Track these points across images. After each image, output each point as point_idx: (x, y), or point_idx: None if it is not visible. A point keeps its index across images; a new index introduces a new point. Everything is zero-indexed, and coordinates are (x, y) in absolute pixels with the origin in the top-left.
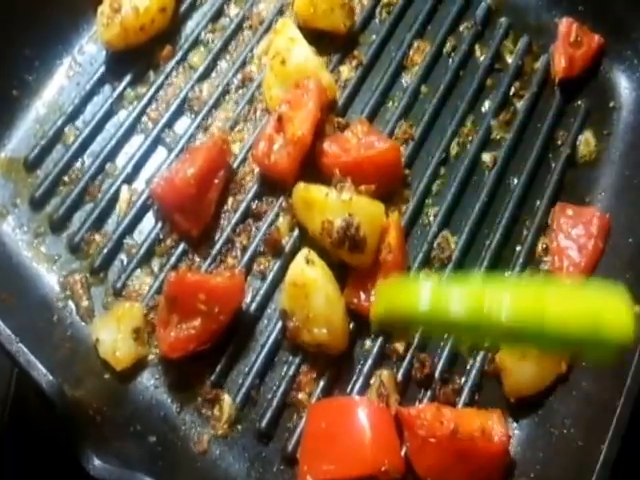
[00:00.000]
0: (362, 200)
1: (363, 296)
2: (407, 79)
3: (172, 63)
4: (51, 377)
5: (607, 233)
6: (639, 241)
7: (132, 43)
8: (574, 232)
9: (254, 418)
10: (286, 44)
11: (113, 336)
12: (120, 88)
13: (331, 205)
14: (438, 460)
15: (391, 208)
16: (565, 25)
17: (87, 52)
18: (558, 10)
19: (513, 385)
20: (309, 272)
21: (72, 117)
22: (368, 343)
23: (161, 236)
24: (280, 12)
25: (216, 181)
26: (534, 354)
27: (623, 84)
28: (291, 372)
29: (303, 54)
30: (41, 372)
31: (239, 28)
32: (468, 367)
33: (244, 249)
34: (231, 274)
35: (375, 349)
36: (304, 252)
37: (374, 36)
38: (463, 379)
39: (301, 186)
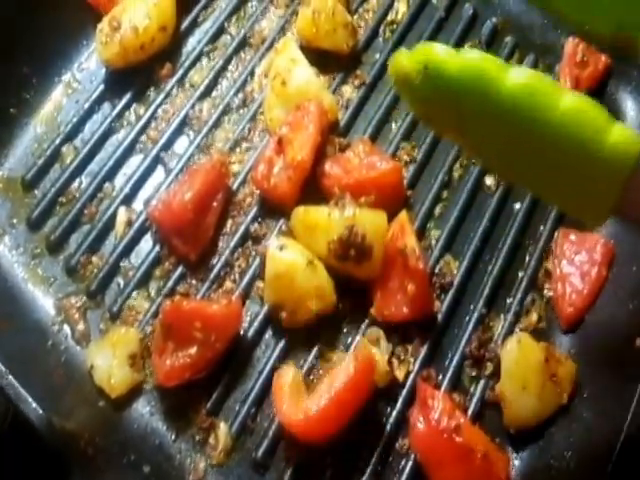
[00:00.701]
0: (364, 212)
1: (394, 308)
2: None
3: (172, 81)
4: (41, 411)
5: (611, 260)
6: None
7: (132, 61)
8: (577, 258)
9: (250, 447)
10: (287, 65)
11: (108, 362)
12: (119, 107)
13: (335, 224)
14: (435, 446)
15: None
16: (571, 45)
17: (86, 69)
18: (564, 29)
19: (513, 416)
20: (286, 256)
21: (70, 136)
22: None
23: (159, 259)
24: (282, 30)
25: (215, 204)
26: (535, 385)
27: (629, 106)
28: None
29: (304, 75)
30: (31, 407)
31: (240, 46)
32: (468, 397)
33: (242, 273)
34: (228, 301)
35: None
36: (274, 243)
37: (377, 55)
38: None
39: (300, 210)
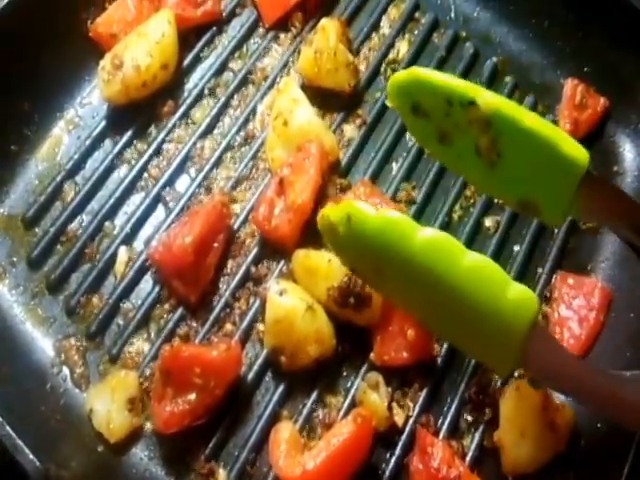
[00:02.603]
0: None
1: (393, 353)
2: (411, 139)
3: (174, 119)
4: (38, 463)
5: (608, 306)
6: None
7: (134, 98)
8: (575, 303)
9: None
10: (289, 105)
11: (107, 407)
12: (121, 143)
13: (335, 271)
14: None
15: None
16: (570, 86)
17: (88, 104)
18: (563, 70)
19: (511, 463)
20: (286, 302)
21: (72, 173)
22: None
23: (159, 300)
24: (284, 68)
25: (215, 245)
26: (533, 432)
27: (627, 148)
28: None
29: (306, 116)
30: (27, 458)
31: (242, 83)
32: (467, 442)
33: (242, 314)
34: (227, 347)
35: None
36: (274, 288)
37: (378, 94)
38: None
39: (301, 253)
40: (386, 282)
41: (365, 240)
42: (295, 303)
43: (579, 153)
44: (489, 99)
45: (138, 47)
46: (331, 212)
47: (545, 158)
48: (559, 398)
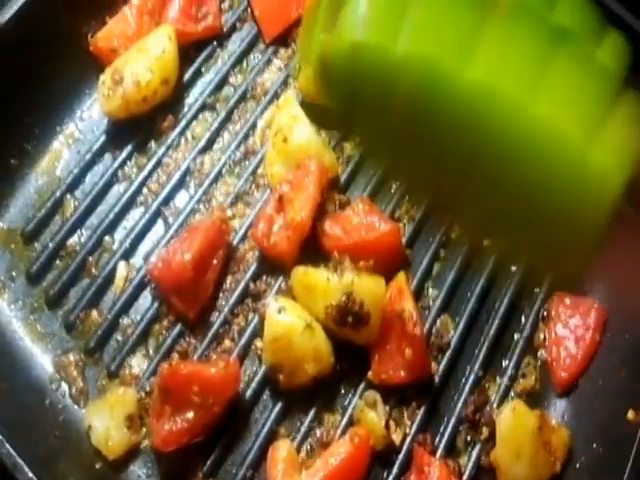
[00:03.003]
0: (363, 278)
1: (391, 372)
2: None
3: (174, 134)
4: None
5: (604, 326)
6: (635, 338)
7: (134, 113)
8: (571, 322)
9: None
10: (288, 122)
11: (106, 424)
12: (121, 158)
13: (333, 289)
14: None
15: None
16: None
17: (88, 118)
18: None
19: None
20: (284, 320)
21: (71, 187)
22: None
23: (158, 316)
24: (285, 82)
25: (214, 261)
26: (529, 453)
27: None
28: None
29: (305, 133)
30: (27, 476)
31: (242, 98)
32: (463, 461)
33: (241, 331)
34: (226, 364)
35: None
36: (273, 306)
37: None
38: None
39: (300, 270)
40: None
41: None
42: (294, 321)
43: None
44: None
45: (138, 62)
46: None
47: None
48: (555, 419)
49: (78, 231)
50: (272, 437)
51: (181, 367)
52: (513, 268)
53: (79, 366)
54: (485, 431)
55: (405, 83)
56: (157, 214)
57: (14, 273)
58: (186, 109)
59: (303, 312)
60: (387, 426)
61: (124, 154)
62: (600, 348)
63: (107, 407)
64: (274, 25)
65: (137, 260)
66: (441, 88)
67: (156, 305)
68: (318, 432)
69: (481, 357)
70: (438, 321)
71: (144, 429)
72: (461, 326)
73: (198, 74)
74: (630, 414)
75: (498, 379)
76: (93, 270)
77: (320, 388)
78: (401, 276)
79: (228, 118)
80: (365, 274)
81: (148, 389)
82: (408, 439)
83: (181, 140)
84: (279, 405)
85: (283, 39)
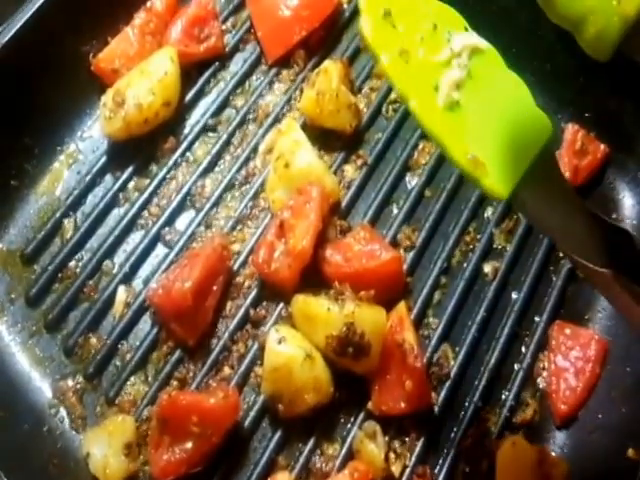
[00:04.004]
0: (364, 309)
1: (391, 403)
2: (411, 181)
3: (175, 156)
4: None
5: (605, 358)
6: (636, 372)
7: (135, 134)
8: (572, 354)
9: None
10: (290, 147)
11: (104, 452)
12: (121, 180)
13: (334, 319)
14: None
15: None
16: (571, 132)
17: (89, 138)
18: (565, 115)
19: None
20: (284, 350)
21: (71, 209)
22: None
23: (157, 342)
24: (287, 105)
25: (215, 288)
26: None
27: (626, 195)
28: None
29: (307, 158)
30: None
31: (244, 120)
32: None
33: (241, 358)
34: (225, 394)
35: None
36: (273, 336)
37: (380, 134)
38: None
39: (300, 299)
40: None
41: None
42: (294, 352)
43: (546, 122)
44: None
45: (140, 85)
46: None
47: (511, 117)
48: (555, 451)
49: (78, 254)
50: (271, 467)
51: (180, 397)
52: (514, 295)
53: (77, 392)
54: (485, 463)
55: None
56: (157, 238)
57: (13, 295)
58: (187, 130)
59: (303, 342)
60: (387, 458)
61: (125, 176)
62: (600, 381)
63: (105, 435)
64: (276, 47)
65: (137, 284)
66: None
67: (155, 331)
68: (317, 462)
69: (481, 388)
70: (439, 351)
71: (142, 457)
72: (461, 356)
73: (200, 95)
74: (630, 452)
75: (498, 410)
76: (92, 294)
77: (319, 417)
78: (402, 306)
79: (229, 141)
80: (366, 304)
81: (146, 416)
82: (407, 471)
83: (182, 162)
84: (278, 434)
85: (285, 60)
